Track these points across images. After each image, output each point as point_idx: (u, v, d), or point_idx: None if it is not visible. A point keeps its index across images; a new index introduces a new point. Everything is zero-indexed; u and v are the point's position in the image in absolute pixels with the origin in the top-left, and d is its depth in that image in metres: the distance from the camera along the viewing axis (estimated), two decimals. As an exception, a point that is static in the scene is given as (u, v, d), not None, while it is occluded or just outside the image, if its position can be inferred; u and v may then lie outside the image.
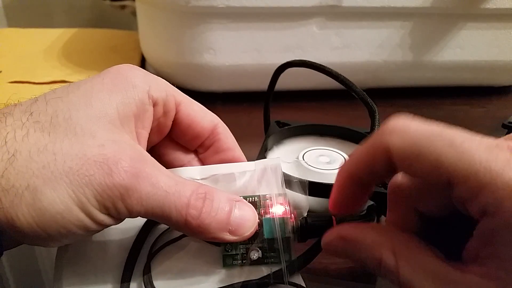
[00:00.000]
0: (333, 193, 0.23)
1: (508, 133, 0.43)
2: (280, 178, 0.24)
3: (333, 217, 0.24)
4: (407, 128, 0.19)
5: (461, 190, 0.17)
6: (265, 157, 0.33)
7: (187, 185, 0.21)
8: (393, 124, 0.19)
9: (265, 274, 0.23)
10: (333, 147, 0.35)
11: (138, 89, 0.23)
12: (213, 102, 0.52)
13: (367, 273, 0.27)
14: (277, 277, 0.22)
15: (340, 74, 0.31)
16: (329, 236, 0.22)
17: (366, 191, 0.22)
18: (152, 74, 0.24)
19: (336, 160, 0.33)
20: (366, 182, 0.21)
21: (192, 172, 0.25)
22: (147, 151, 0.23)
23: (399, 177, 0.22)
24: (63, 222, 0.19)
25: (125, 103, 0.22)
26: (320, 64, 0.32)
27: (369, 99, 0.29)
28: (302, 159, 0.33)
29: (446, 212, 0.20)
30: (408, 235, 0.20)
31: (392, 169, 0.19)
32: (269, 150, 0.35)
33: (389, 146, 0.19)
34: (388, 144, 0.19)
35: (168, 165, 0.27)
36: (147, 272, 0.23)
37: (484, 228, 0.17)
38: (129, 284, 0.23)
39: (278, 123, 0.38)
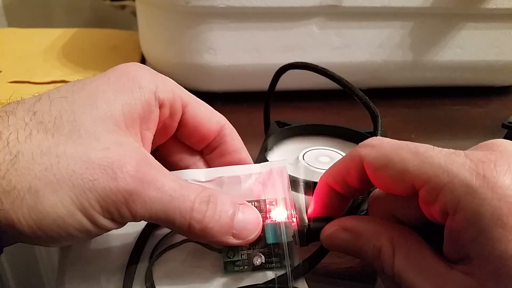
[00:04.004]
0: (313, 201, 0.24)
1: (508, 133, 0.43)
2: (286, 181, 0.24)
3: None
4: (379, 143, 0.21)
5: (424, 193, 0.19)
6: (265, 157, 0.33)
7: (192, 188, 0.21)
8: (369, 141, 0.22)
9: (269, 279, 0.23)
10: (333, 147, 0.35)
11: (144, 90, 0.22)
12: (213, 102, 0.52)
13: (367, 273, 0.28)
14: (282, 282, 0.22)
15: (342, 78, 0.30)
16: (330, 228, 0.22)
17: (343, 202, 0.24)
18: (160, 74, 0.24)
19: (336, 160, 0.33)
20: (343, 193, 0.23)
21: (197, 174, 0.25)
22: (151, 151, 0.23)
23: (377, 191, 0.23)
24: (64, 226, 0.18)
25: (130, 105, 0.21)
26: (322, 68, 0.31)
27: (371, 104, 0.28)
28: (302, 159, 0.33)
29: (421, 223, 0.21)
30: (405, 228, 0.21)
31: (364, 180, 0.21)
32: (269, 150, 0.35)
33: (362, 158, 0.21)
34: (361, 155, 0.21)
35: (173, 165, 0.27)
36: (149, 277, 0.23)
37: (449, 231, 0.18)
38: None
39: (278, 123, 0.38)
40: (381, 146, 0.21)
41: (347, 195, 0.23)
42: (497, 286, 0.17)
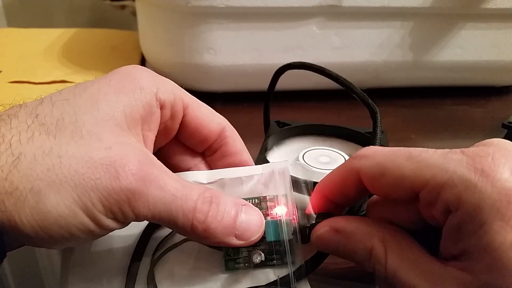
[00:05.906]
0: (309, 209, 0.24)
1: (508, 133, 0.43)
2: (288, 182, 0.24)
3: None
4: (373, 153, 0.21)
5: (424, 195, 0.19)
6: (265, 157, 0.33)
7: (194, 188, 0.21)
8: (362, 151, 0.22)
9: (271, 279, 0.23)
10: (333, 147, 0.35)
11: (145, 91, 0.22)
12: (213, 102, 0.52)
13: (367, 273, 0.28)
14: (284, 283, 0.22)
15: (340, 76, 0.30)
16: (320, 228, 0.22)
17: (339, 210, 0.24)
18: (160, 76, 0.24)
19: (336, 160, 0.33)
20: (339, 203, 0.23)
21: (199, 176, 0.25)
22: (153, 153, 0.23)
23: (375, 197, 0.23)
24: (66, 226, 0.18)
25: (132, 106, 0.21)
26: (320, 66, 0.31)
27: (370, 101, 0.29)
28: (302, 159, 0.33)
29: (419, 226, 0.21)
30: (396, 228, 0.21)
31: (362, 191, 0.22)
32: (269, 150, 0.35)
33: (359, 169, 0.21)
34: (357, 167, 0.21)
35: (174, 167, 0.27)
36: (151, 278, 0.23)
37: (450, 226, 0.18)
38: None
39: (278, 123, 0.38)
40: (374, 156, 0.21)
41: (344, 204, 0.24)
42: (493, 278, 0.17)
